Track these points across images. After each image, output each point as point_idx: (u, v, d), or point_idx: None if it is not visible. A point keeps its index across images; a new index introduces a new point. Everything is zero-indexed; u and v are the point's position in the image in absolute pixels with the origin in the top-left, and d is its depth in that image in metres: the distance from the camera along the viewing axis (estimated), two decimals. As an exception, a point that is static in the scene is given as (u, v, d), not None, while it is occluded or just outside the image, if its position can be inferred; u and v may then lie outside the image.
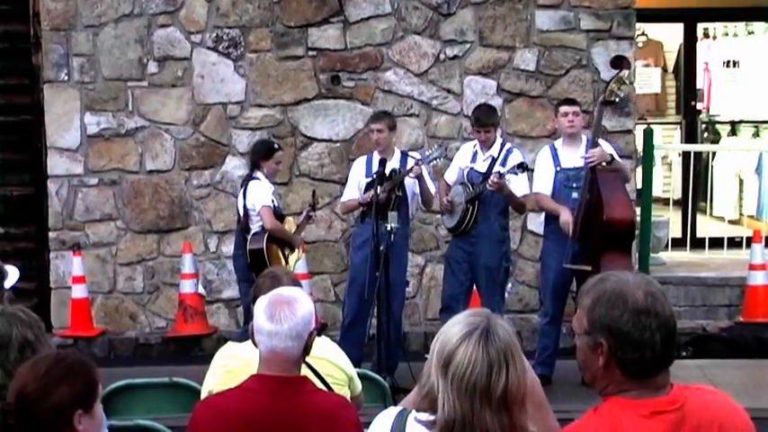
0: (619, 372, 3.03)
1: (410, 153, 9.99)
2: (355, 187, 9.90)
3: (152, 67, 11.81)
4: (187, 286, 11.47)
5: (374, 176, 9.60)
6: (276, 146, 10.16)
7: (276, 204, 9.90)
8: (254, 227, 9.70)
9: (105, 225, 11.94)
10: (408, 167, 9.52)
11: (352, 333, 9.60)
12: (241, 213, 9.83)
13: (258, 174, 9.79)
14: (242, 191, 9.88)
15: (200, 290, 11.58)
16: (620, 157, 9.97)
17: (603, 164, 9.30)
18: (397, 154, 9.81)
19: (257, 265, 9.34)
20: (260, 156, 9.86)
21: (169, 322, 11.84)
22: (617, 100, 9.55)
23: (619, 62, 9.65)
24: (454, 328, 3.09)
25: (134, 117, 11.84)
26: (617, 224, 9.16)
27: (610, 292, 3.05)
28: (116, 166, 11.86)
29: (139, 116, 11.83)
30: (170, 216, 11.89)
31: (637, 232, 11.59)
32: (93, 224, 11.94)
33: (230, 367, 4.87)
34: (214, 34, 11.76)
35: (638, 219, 11.80)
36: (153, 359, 11.34)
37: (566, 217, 9.33)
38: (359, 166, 9.99)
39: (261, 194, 9.67)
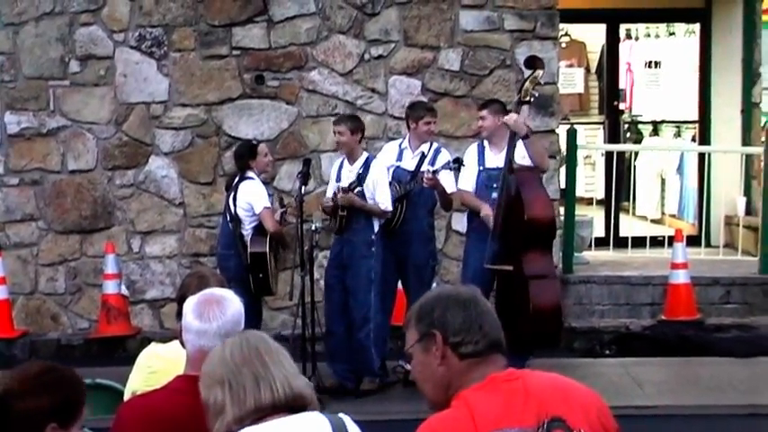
0: (457, 359, 3.10)
1: (376, 157, 9.89)
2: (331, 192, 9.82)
3: (74, 66, 11.69)
4: (110, 287, 11.37)
5: (299, 176, 9.67)
6: (255, 141, 10.36)
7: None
8: (248, 228, 9.74)
9: (26, 225, 11.80)
10: (338, 195, 9.48)
11: (359, 335, 9.52)
12: (232, 213, 9.78)
13: (250, 173, 9.82)
14: (231, 192, 9.84)
15: (124, 291, 11.50)
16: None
17: (520, 162, 9.31)
18: (363, 158, 9.69)
19: (257, 267, 9.65)
20: (246, 158, 9.89)
21: (92, 323, 11.73)
22: (532, 100, 9.59)
23: (533, 62, 9.70)
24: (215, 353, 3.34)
25: (56, 116, 11.71)
26: (539, 223, 9.18)
27: (432, 297, 3.21)
28: (38, 166, 11.73)
29: (61, 115, 11.71)
30: (93, 216, 11.78)
31: (560, 232, 11.67)
32: (13, 225, 11.80)
33: (154, 368, 4.83)
34: (137, 33, 11.66)
35: (562, 218, 11.89)
36: (75, 360, 11.18)
37: (486, 210, 9.33)
38: (333, 169, 9.91)
39: (259, 195, 9.74)
